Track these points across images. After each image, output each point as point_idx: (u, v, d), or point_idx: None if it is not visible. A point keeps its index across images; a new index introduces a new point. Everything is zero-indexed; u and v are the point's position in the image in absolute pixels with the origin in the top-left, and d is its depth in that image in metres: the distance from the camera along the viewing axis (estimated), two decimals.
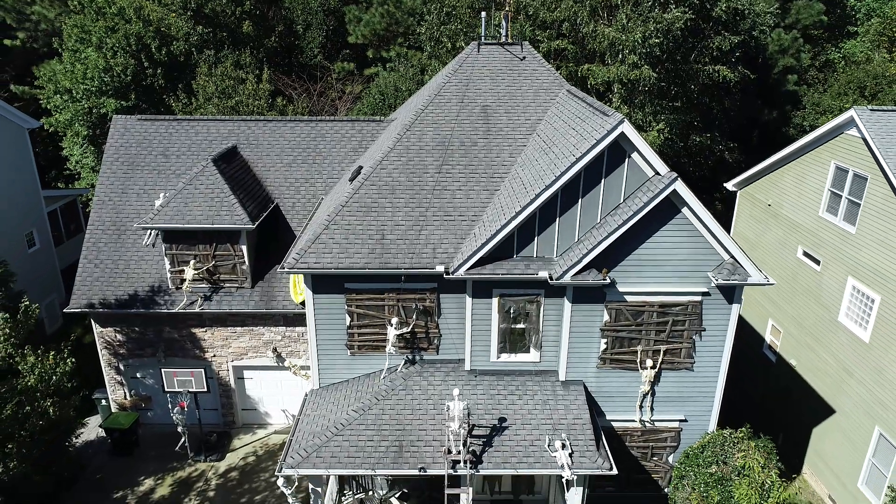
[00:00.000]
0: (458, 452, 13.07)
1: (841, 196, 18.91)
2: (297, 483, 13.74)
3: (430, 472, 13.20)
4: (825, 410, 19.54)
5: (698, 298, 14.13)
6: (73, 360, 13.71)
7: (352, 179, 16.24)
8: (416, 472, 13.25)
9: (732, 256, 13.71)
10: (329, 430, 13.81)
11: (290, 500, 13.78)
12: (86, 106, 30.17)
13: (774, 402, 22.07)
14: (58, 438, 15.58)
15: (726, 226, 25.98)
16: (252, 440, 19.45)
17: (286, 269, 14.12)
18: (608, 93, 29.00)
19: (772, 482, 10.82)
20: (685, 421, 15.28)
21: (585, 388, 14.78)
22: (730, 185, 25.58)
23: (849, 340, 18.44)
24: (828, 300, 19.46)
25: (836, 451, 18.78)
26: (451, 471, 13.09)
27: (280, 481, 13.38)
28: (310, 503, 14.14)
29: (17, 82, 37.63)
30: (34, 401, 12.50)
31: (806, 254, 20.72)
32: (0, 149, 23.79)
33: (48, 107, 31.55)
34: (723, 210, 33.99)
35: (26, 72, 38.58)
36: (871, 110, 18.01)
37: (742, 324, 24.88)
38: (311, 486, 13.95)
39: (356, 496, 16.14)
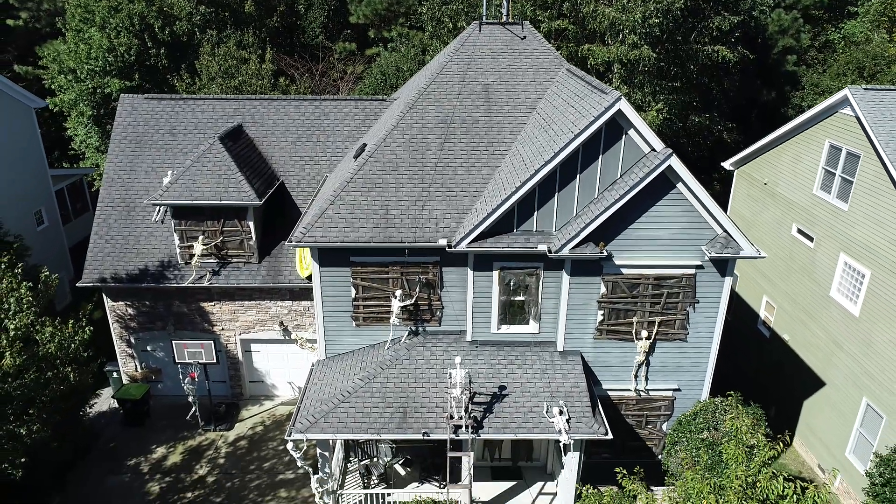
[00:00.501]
0: (460, 418, 13.64)
1: (834, 174, 19.31)
2: (305, 448, 14.32)
3: (434, 436, 13.79)
4: (816, 383, 20.11)
5: (692, 271, 14.61)
6: (91, 328, 14.22)
7: (356, 156, 16.65)
8: (419, 436, 13.83)
9: (725, 230, 14.17)
10: (336, 398, 14.39)
11: (299, 463, 14.38)
12: (90, 86, 30.45)
13: (767, 377, 22.64)
14: (74, 407, 16.16)
15: (724, 205, 26.44)
16: (259, 411, 20.07)
17: (293, 243, 14.59)
18: (608, 73, 29.25)
19: (757, 442, 11.38)
20: (679, 390, 15.85)
21: (583, 358, 15.32)
22: (727, 165, 25.94)
23: (840, 315, 18.95)
24: (820, 276, 19.94)
25: (826, 422, 19.39)
26: (453, 435, 13.67)
27: (289, 446, 13.97)
28: (318, 467, 14.75)
29: (20, 62, 37.85)
30: (54, 367, 13.05)
31: (800, 231, 21.16)
32: (8, 128, 24.11)
33: (52, 87, 31.83)
34: (721, 190, 34.36)
35: (29, 52, 38.76)
36: (864, 89, 18.34)
37: (738, 301, 25.43)
38: (318, 450, 14.56)
39: (361, 462, 16.75)
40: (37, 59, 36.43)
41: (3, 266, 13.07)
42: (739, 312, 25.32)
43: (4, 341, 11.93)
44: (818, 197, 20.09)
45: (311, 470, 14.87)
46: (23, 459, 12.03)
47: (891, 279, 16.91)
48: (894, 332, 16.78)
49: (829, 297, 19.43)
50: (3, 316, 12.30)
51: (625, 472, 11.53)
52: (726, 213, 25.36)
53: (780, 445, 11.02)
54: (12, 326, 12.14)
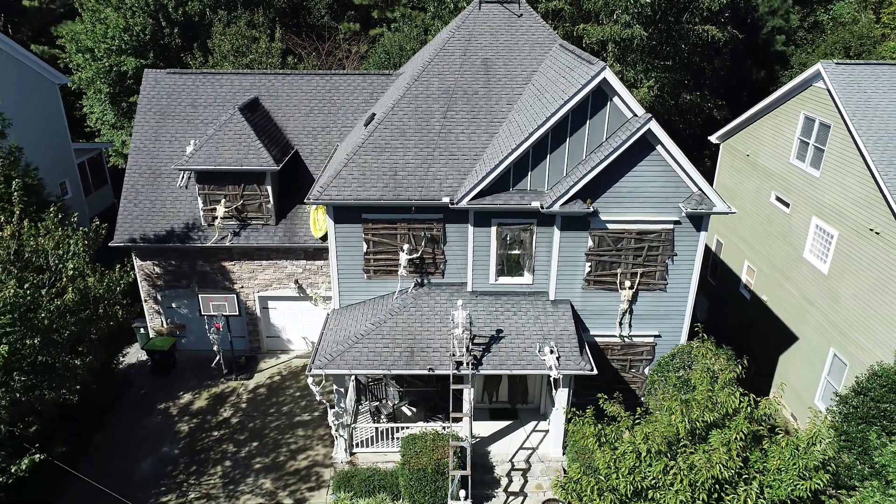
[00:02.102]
0: (462, 355, 15.30)
1: (808, 143, 20.84)
2: (322, 382, 15.99)
3: (438, 372, 15.46)
4: (790, 339, 21.79)
5: (671, 226, 16.20)
6: (132, 273, 15.81)
7: (366, 124, 18.17)
8: (425, 372, 15.50)
9: (700, 189, 15.74)
10: (350, 339, 16.05)
11: (317, 397, 16.07)
12: (107, 64, 31.81)
13: (747, 335, 24.32)
14: (112, 353, 17.82)
15: (712, 177, 27.96)
16: (276, 363, 21.76)
17: (311, 201, 16.17)
18: (602, 52, 30.62)
19: (720, 367, 13.01)
20: (659, 336, 17.51)
21: (572, 306, 16.96)
22: (713, 138, 27.46)
23: (811, 273, 20.59)
24: (795, 239, 21.55)
25: (798, 373, 21.09)
26: (455, 371, 15.34)
27: (309, 380, 15.63)
28: (334, 402, 16.43)
29: (35, 42, 39.13)
30: (104, 306, 14.68)
31: (778, 198, 22.73)
32: (35, 102, 25.55)
33: (70, 65, 33.21)
34: (711, 166, 35.86)
35: (43, 32, 40.06)
36: (836, 64, 19.80)
37: (722, 267, 27.08)
38: (335, 387, 16.24)
39: (372, 404, 18.47)
40: (52, 39, 37.75)
41: (55, 217, 14.66)
42: (723, 277, 26.98)
43: (65, 279, 13.59)
44: (794, 165, 21.64)
45: (328, 404, 16.57)
46: (77, 387, 13.70)
47: (855, 238, 18.52)
48: (857, 286, 18.42)
49: (803, 258, 21.05)
50: (58, 261, 13.91)
51: (605, 396, 13.17)
52: (713, 184, 26.99)
53: (739, 369, 12.66)
54: (70, 266, 13.77)
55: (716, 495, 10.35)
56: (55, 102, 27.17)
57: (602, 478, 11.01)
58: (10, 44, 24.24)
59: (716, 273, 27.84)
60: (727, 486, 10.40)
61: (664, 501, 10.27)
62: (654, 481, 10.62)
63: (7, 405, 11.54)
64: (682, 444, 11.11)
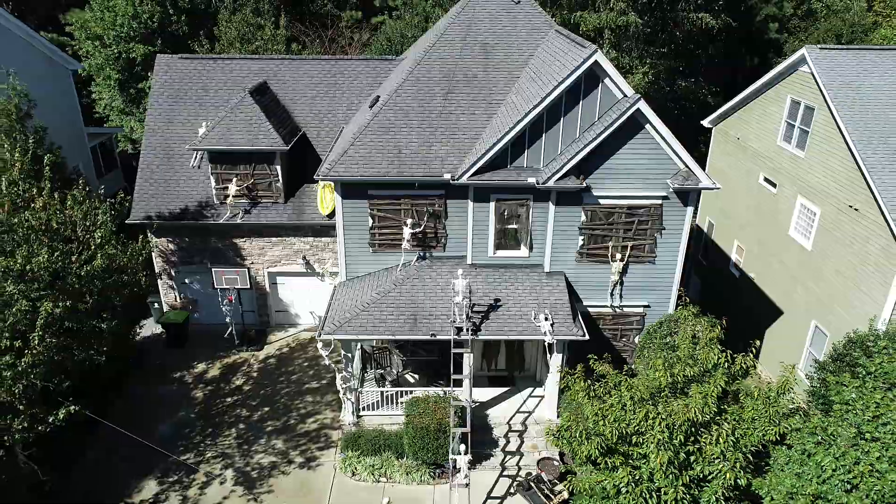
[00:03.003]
0: (462, 321, 16.31)
1: (794, 126, 21.76)
2: (332, 348, 17.03)
3: (440, 337, 16.50)
4: (776, 313, 22.82)
5: (659, 202, 17.17)
6: (154, 244, 16.81)
7: (371, 106, 19.09)
8: (428, 337, 16.53)
9: (687, 166, 16.70)
10: (357, 308, 17.07)
11: (326, 361, 17.10)
12: (115, 51, 32.66)
13: (736, 312, 25.29)
14: (130, 327, 18.83)
15: (704, 161, 28.86)
16: (284, 336, 22.80)
17: (320, 177, 17.13)
18: (599, 38, 31.45)
19: (701, 328, 14.00)
20: (648, 307, 18.51)
21: (566, 277, 17.96)
22: (706, 122, 28.37)
23: (796, 250, 21.58)
24: (781, 218, 22.53)
25: (783, 346, 22.12)
26: (456, 336, 16.36)
27: (319, 345, 16.67)
28: (341, 366, 17.46)
29: (42, 30, 39.90)
30: (128, 274, 15.71)
31: (766, 179, 23.68)
32: (50, 87, 26.41)
33: (80, 53, 34.03)
34: (706, 151, 36.72)
35: (50, 20, 40.81)
36: (820, 49, 20.68)
37: (714, 248, 28.05)
38: (343, 352, 17.28)
39: (377, 372, 19.51)
40: (59, 26, 38.51)
41: (84, 189, 15.62)
42: (715, 258, 27.97)
43: (93, 247, 14.57)
44: (781, 147, 22.57)
45: (336, 368, 17.61)
46: (104, 348, 14.72)
47: (836, 215, 19.51)
48: (838, 261, 19.42)
49: (789, 236, 22.04)
50: (84, 232, 14.89)
51: (595, 357, 14.19)
52: (705, 168, 27.88)
53: (718, 328, 13.68)
54: (98, 235, 14.75)
55: (692, 438, 11.38)
56: (69, 88, 28.07)
57: (590, 425, 12.03)
58: (27, 30, 25.12)
59: (707, 254, 28.83)
60: (703, 429, 11.42)
61: (646, 444, 11.29)
62: (637, 427, 11.64)
63: (45, 361, 12.55)
64: (663, 394, 12.14)
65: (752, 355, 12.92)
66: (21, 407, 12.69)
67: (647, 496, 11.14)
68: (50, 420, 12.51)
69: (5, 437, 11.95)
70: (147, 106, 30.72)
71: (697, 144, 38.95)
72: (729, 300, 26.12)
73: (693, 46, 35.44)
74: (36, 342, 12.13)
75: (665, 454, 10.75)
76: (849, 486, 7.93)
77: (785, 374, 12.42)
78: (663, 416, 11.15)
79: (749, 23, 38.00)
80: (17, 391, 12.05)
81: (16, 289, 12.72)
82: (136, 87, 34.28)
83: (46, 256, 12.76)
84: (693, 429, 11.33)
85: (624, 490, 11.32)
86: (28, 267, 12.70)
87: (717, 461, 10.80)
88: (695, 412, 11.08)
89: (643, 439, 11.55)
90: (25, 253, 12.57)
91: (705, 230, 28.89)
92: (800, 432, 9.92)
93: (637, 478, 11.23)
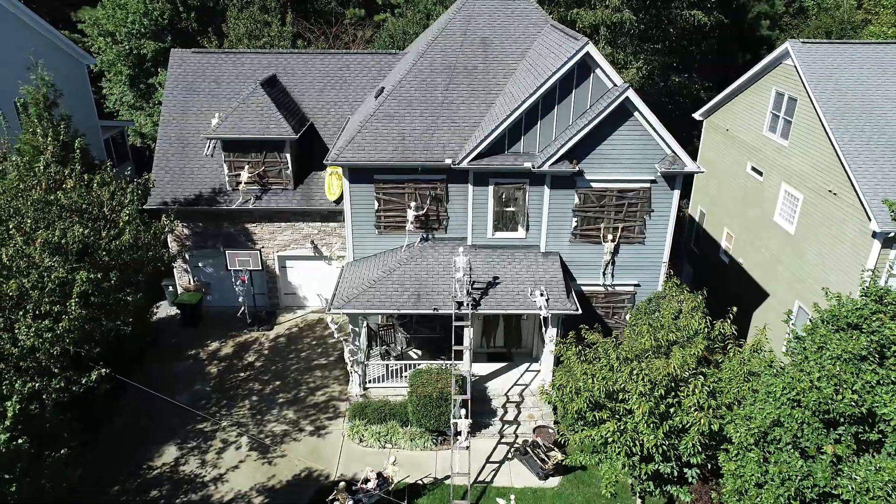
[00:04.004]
0: (463, 296, 17.41)
1: (779, 116, 22.87)
2: (339, 324, 18.13)
3: (441, 311, 17.60)
4: (762, 295, 23.91)
5: (648, 185, 18.27)
6: (175, 222, 17.98)
7: (377, 96, 20.20)
8: (431, 311, 17.63)
9: (673, 151, 17.80)
10: (364, 285, 18.17)
11: (335, 335, 18.20)
12: (127, 47, 33.77)
13: (726, 298, 26.43)
14: (148, 305, 19.93)
15: (696, 153, 29.95)
16: (293, 317, 23.90)
17: (330, 161, 18.23)
18: (595, 35, 32.54)
19: (685, 298, 15.10)
20: (638, 285, 19.61)
21: (560, 257, 19.06)
22: (697, 115, 29.49)
23: (780, 235, 22.69)
24: (767, 205, 23.63)
25: (769, 327, 23.16)
26: (457, 311, 17.46)
27: (328, 318, 17.77)
28: (349, 340, 18.55)
29: (54, 27, 40.95)
30: (152, 250, 16.85)
31: (753, 168, 24.78)
32: (66, 81, 27.45)
33: (92, 49, 35.12)
34: (699, 145, 37.82)
35: (60, 17, 41.88)
36: (802, 42, 21.78)
37: (705, 235, 29.15)
38: (350, 327, 18.38)
39: (382, 348, 20.62)
40: (69, 23, 39.58)
41: (110, 171, 16.73)
42: (706, 245, 29.07)
43: (122, 223, 15.70)
44: (766, 137, 23.68)
45: (344, 342, 18.71)
46: (130, 319, 15.84)
47: (817, 199, 20.61)
48: (818, 243, 20.52)
49: (773, 221, 23.14)
50: (110, 211, 16.00)
51: (587, 326, 15.30)
52: (696, 159, 28.97)
53: (700, 298, 14.77)
54: (125, 213, 15.88)
55: (672, 393, 12.47)
56: (84, 81, 29.17)
57: (580, 384, 13.13)
58: (45, 26, 26.24)
59: (699, 242, 29.93)
60: (682, 384, 12.52)
61: (630, 398, 12.39)
62: (623, 385, 12.73)
63: (78, 327, 13.64)
64: (647, 356, 13.24)
65: (729, 321, 14.00)
66: (56, 370, 13.79)
67: (631, 444, 12.24)
68: (83, 381, 13.59)
69: (44, 396, 13.02)
70: (162, 98, 31.86)
71: (691, 139, 40.01)
72: (719, 287, 27.21)
73: (686, 43, 36.51)
74: (73, 307, 13.22)
75: (646, 404, 11.84)
76: (794, 403, 8.99)
77: (758, 335, 13.52)
78: (646, 372, 12.24)
79: (741, 20, 39.10)
80: (55, 353, 13.15)
81: (52, 261, 13.84)
82: (146, 83, 35.40)
83: (80, 230, 13.86)
84: (673, 384, 12.42)
85: (610, 440, 12.42)
86: (63, 241, 13.81)
87: (693, 411, 11.88)
88: (674, 367, 12.18)
89: (627, 396, 12.64)
90: (63, 226, 13.68)
91: (697, 219, 29.99)
92: (764, 373, 11.02)
93: (622, 428, 12.33)
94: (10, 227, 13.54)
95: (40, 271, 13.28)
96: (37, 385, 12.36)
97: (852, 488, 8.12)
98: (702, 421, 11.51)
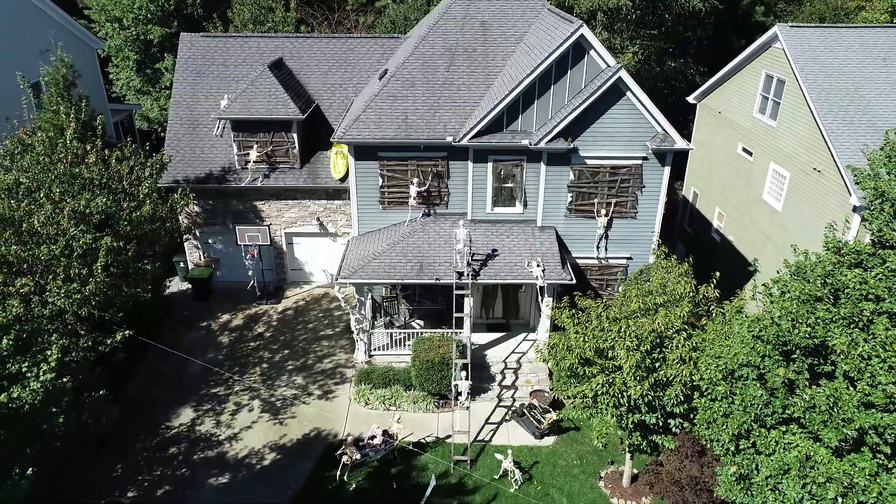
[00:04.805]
0: (463, 266, 18.36)
1: (768, 98, 23.73)
2: (346, 295, 19.08)
3: (443, 281, 18.56)
4: (751, 272, 24.80)
5: (640, 162, 19.17)
6: (192, 196, 18.97)
7: (381, 78, 21.05)
8: (433, 281, 18.60)
9: (664, 129, 18.69)
10: (369, 256, 19.12)
11: (343, 304, 19.17)
12: (134, 33, 34.52)
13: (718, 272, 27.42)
14: (162, 278, 20.90)
15: (691, 135, 30.81)
16: (300, 292, 24.87)
17: (336, 139, 19.12)
18: (592, 20, 33.28)
19: (672, 264, 16.05)
20: (630, 258, 20.56)
21: (556, 231, 19.99)
22: (691, 99, 30.35)
23: (768, 212, 23.62)
24: (756, 183, 24.54)
25: (756, 302, 24.17)
26: (458, 280, 18.42)
27: (336, 288, 18.73)
28: (355, 309, 19.52)
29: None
30: (169, 222, 17.82)
31: (744, 149, 25.66)
32: (78, 65, 28.23)
33: (99, 35, 35.84)
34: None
35: (66, 3, 42.51)
36: (790, 26, 22.60)
37: (698, 215, 30.07)
38: (356, 296, 19.35)
39: (385, 319, 21.59)
40: (76, 10, 40.24)
41: (130, 147, 17.64)
42: (698, 225, 30.00)
43: (142, 195, 16.64)
44: (756, 118, 24.55)
45: (351, 311, 19.68)
46: (149, 287, 16.80)
47: (802, 177, 21.52)
48: (803, 218, 21.45)
49: (762, 200, 24.07)
50: (129, 185, 16.96)
51: (580, 293, 16.24)
52: (690, 141, 29.81)
53: (686, 265, 15.72)
54: (146, 185, 16.82)
55: (658, 350, 13.44)
56: (94, 66, 29.98)
57: (572, 343, 14.11)
58: (60, 12, 27.03)
59: (692, 222, 30.86)
60: (668, 341, 13.50)
61: (618, 353, 13.36)
62: (612, 343, 13.70)
63: (103, 291, 14.59)
64: (635, 316, 14.21)
65: (713, 285, 14.95)
66: (82, 332, 14.78)
67: (619, 396, 13.23)
68: (108, 342, 14.56)
69: (72, 354, 13.99)
70: (168, 83, 32.69)
71: (687, 123, 40.74)
72: (710, 265, 28.14)
73: (682, 29, 37.23)
74: (99, 270, 14.17)
75: (633, 357, 12.81)
76: (757, 340, 9.96)
77: (740, 297, 14.48)
78: (633, 329, 13.20)
79: (736, 6, 39.81)
80: (82, 314, 14.11)
81: (77, 230, 14.78)
82: (153, 68, 36.18)
83: (104, 200, 14.77)
84: (658, 340, 13.39)
85: (600, 392, 13.40)
86: (88, 210, 14.73)
87: (676, 364, 12.85)
88: (658, 324, 13.14)
89: (616, 353, 13.61)
90: (88, 196, 14.60)
91: (690, 200, 30.90)
92: (735, 319, 12.03)
93: (610, 381, 13.32)
94: (41, 195, 14.47)
95: (67, 239, 14.22)
96: (66, 343, 13.32)
97: (801, 405, 9.16)
98: (684, 372, 12.49)
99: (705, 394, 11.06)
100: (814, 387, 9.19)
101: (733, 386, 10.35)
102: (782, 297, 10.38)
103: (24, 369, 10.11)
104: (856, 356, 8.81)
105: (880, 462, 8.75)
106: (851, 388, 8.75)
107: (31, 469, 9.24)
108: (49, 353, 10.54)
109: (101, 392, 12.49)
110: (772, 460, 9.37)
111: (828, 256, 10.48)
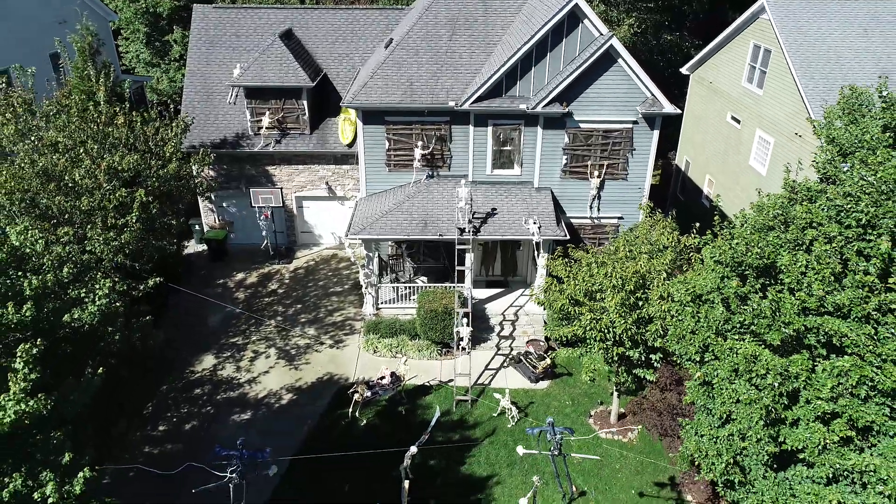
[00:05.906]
0: (465, 223, 19.72)
1: (755, 67, 24.87)
2: (354, 251, 20.46)
3: (446, 237, 19.93)
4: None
5: (630, 126, 20.41)
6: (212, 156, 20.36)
7: (386, 47, 22.20)
8: (436, 237, 19.96)
9: (653, 94, 19.90)
10: (376, 214, 20.47)
11: (352, 258, 20.58)
12: (143, 5, 35.47)
13: None
14: (181, 239, 22.25)
15: (684, 108, 31.93)
16: (309, 253, 26.26)
17: (345, 104, 20.35)
18: None
19: (657, 219, 17.42)
20: (622, 218, 21.90)
21: (552, 192, 21.30)
22: (684, 70, 31.43)
23: (755, 177, 24.89)
24: (743, 150, 25.78)
25: None
26: (459, 236, 19.79)
27: (346, 243, 20.12)
28: (364, 264, 20.91)
29: None
30: (192, 180, 19.16)
31: (733, 117, 26.85)
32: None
33: (109, 7, 36.76)
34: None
35: None
36: None
37: (690, 183, 31.34)
38: (365, 252, 20.73)
39: (391, 276, 23.00)
40: None
41: (155, 110, 18.93)
42: (690, 192, 31.29)
43: (168, 154, 17.96)
44: (745, 87, 25.71)
45: (359, 265, 21.07)
46: (174, 240, 18.17)
47: (785, 142, 22.77)
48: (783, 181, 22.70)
49: (749, 165, 25.33)
50: (153, 145, 18.27)
51: (573, 245, 17.61)
52: (684, 111, 30.93)
53: (670, 219, 17.07)
54: (171, 145, 18.12)
55: (642, 291, 14.85)
56: (108, 37, 31.01)
57: (564, 286, 15.52)
58: None
59: (684, 189, 32.13)
60: (650, 282, 14.90)
61: (604, 293, 14.77)
62: (599, 286, 15.11)
63: (136, 239, 15.96)
64: (621, 261, 15.60)
65: (694, 233, 16.31)
66: (117, 279, 16.16)
67: (606, 332, 14.67)
68: (141, 287, 15.97)
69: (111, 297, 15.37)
70: (179, 54, 33.72)
71: (682, 95, 41.77)
72: (699, 227, 29.51)
73: (678, 2, 38.10)
74: (133, 220, 15.54)
75: (618, 296, 14.23)
76: (718, 264, 11.41)
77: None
78: (618, 271, 14.61)
79: None
80: (118, 260, 15.49)
81: (110, 186, 16.11)
82: (162, 41, 37.18)
83: (135, 157, 16.08)
84: (642, 282, 14.80)
85: (588, 328, 14.84)
86: (121, 167, 16.05)
87: (657, 301, 14.28)
88: (641, 265, 14.54)
89: (603, 295, 15.03)
90: (121, 153, 15.90)
91: (683, 168, 32.14)
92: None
93: (598, 318, 14.75)
94: (81, 151, 15.77)
95: (104, 192, 15.55)
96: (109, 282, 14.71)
97: (750, 312, 10.68)
98: (664, 308, 13.90)
99: (674, 314, 12.49)
100: (763, 299, 10.63)
101: (700, 308, 11.78)
102: (741, 228, 11.78)
103: (82, 295, 11.52)
104: (796, 270, 10.23)
105: (815, 357, 10.33)
106: (791, 296, 10.19)
107: (100, 369, 10.69)
108: (97, 289, 11.92)
109: (146, 318, 13.93)
110: (726, 363, 10.85)
111: (784, 193, 11.86)
